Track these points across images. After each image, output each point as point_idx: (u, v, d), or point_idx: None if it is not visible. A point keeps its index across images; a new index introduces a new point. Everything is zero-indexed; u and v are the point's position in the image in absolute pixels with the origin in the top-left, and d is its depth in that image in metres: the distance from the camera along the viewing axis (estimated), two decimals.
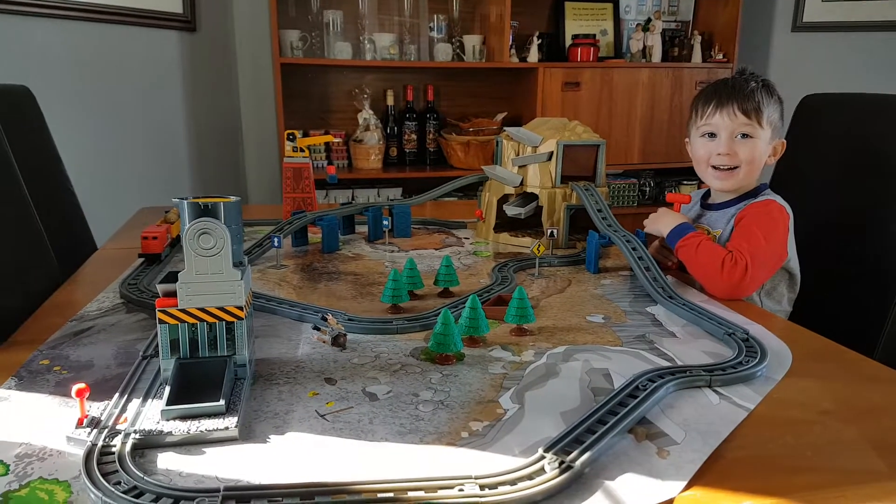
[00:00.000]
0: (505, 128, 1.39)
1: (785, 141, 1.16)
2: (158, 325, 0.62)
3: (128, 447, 0.53)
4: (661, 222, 1.13)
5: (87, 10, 1.98)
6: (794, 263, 1.12)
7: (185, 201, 0.62)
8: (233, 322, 0.63)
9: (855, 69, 2.78)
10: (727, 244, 1.04)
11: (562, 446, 0.53)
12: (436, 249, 1.29)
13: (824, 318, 1.01)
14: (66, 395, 0.64)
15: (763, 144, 1.11)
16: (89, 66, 2.02)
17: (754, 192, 1.15)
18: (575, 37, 2.69)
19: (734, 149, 1.11)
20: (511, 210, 1.31)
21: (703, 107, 1.15)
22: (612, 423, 0.57)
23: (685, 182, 2.83)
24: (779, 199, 1.12)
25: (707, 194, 1.24)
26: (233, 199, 0.65)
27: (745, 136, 1.11)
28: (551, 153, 1.27)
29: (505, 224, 1.38)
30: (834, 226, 1.29)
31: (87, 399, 0.58)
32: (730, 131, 1.11)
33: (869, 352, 1.12)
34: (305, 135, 2.58)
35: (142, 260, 1.11)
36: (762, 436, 0.59)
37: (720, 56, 2.73)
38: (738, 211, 1.12)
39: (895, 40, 2.75)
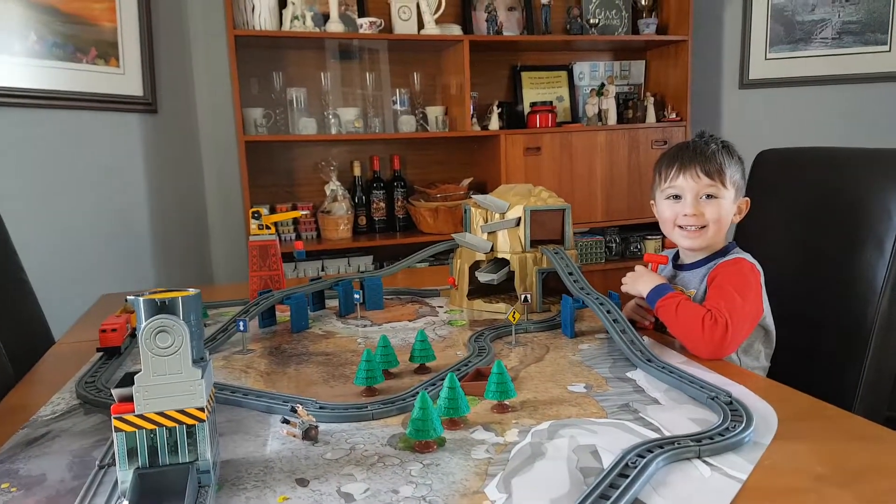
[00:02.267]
0: (472, 195, 1.39)
1: (748, 199, 1.18)
2: (115, 434, 0.58)
3: None
4: (639, 283, 1.13)
5: (46, 98, 1.97)
6: (769, 319, 1.13)
7: (141, 298, 0.59)
8: (194, 425, 0.59)
9: (801, 121, 2.92)
10: (704, 304, 1.03)
11: None
12: (409, 321, 1.26)
13: (802, 371, 1.01)
14: None
15: (728, 204, 1.13)
16: (47, 153, 1.99)
17: (723, 252, 1.16)
18: (533, 104, 2.78)
19: (700, 209, 1.12)
20: (483, 276, 1.30)
21: (666, 170, 1.17)
22: None
23: (649, 237, 2.88)
24: (748, 257, 1.13)
25: (677, 255, 1.25)
26: (192, 291, 0.62)
27: (709, 196, 1.12)
28: (519, 219, 1.28)
29: (478, 290, 1.36)
30: (800, 276, 1.30)
31: None
32: (695, 193, 1.13)
33: (848, 402, 1.12)
34: (272, 210, 2.57)
35: (101, 354, 1.06)
36: None
37: (673, 115, 2.85)
38: (709, 270, 1.12)
39: (833, 93, 2.92)
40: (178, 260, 2.47)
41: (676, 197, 1.15)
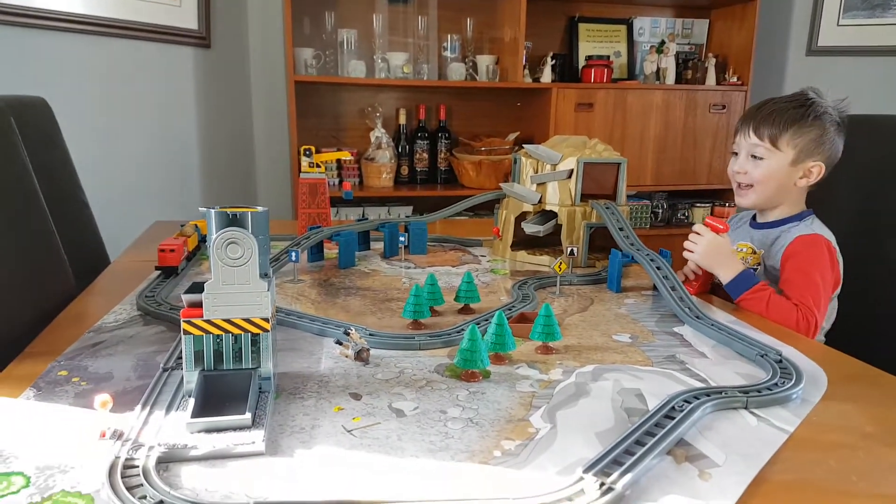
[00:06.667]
0: (524, 145, 1.38)
1: (822, 165, 1.14)
2: (183, 336, 0.61)
3: (152, 461, 0.52)
4: (718, 264, 1.05)
5: (104, 25, 2.00)
6: (838, 289, 1.13)
7: (213, 210, 0.61)
8: (258, 334, 0.62)
9: (870, 93, 2.76)
10: (784, 286, 1.05)
11: (601, 467, 0.51)
12: (452, 267, 1.28)
13: (860, 345, 0.99)
14: (87, 406, 0.63)
15: (780, 166, 1.13)
16: (105, 80, 2.04)
17: (799, 216, 1.16)
18: (588, 58, 2.70)
19: (746, 167, 1.15)
20: (529, 228, 1.30)
21: (736, 125, 1.21)
22: (650, 445, 0.55)
23: (698, 204, 2.82)
24: (826, 233, 1.12)
25: (755, 215, 1.26)
26: (260, 209, 0.64)
27: (756, 156, 1.14)
28: (571, 171, 1.26)
29: (522, 242, 1.36)
30: (866, 246, 1.26)
31: (108, 411, 0.56)
32: (746, 150, 1.16)
33: None
34: (318, 152, 2.58)
35: (158, 273, 1.10)
36: (805, 459, 0.57)
37: (734, 79, 2.73)
38: (783, 233, 1.13)
39: None
40: (225, 194, 2.52)
41: (736, 153, 1.18)
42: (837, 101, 1.15)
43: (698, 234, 1.07)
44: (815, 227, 1.13)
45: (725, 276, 1.05)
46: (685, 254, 1.10)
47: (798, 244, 1.09)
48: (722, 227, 1.07)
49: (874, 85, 2.77)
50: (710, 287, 1.13)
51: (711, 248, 1.06)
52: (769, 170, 1.12)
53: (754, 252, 1.18)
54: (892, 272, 1.23)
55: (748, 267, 1.10)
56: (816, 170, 1.14)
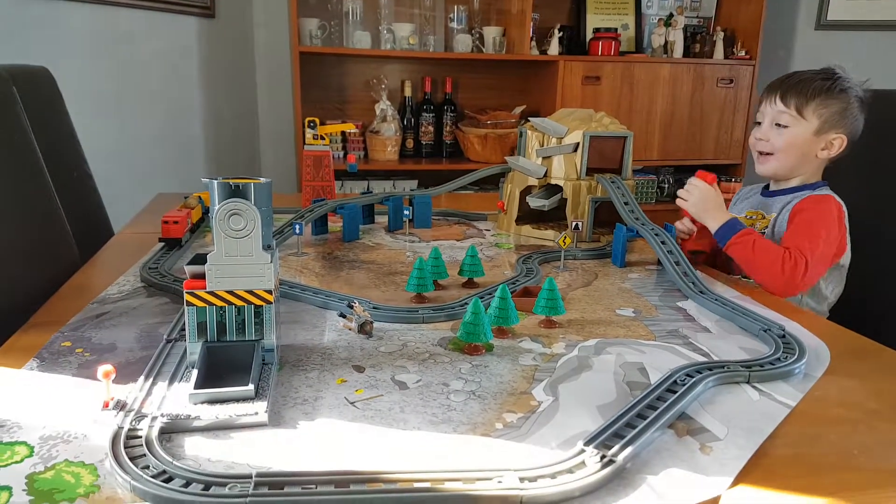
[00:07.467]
0: (529, 118, 1.36)
1: (844, 137, 1.13)
2: (186, 308, 0.61)
3: (155, 431, 0.52)
4: (707, 212, 1.09)
5: None
6: (847, 259, 1.13)
7: (216, 181, 0.60)
8: (261, 306, 0.62)
9: (880, 68, 2.70)
10: (784, 237, 1.04)
11: (602, 440, 0.51)
12: (457, 241, 1.27)
13: (863, 324, 0.99)
14: (90, 376, 0.63)
15: (803, 135, 1.12)
16: (108, 50, 2.02)
17: (812, 186, 1.16)
18: (596, 30, 2.65)
19: (769, 135, 1.15)
20: (534, 202, 1.29)
21: (761, 95, 1.21)
22: (652, 418, 0.55)
23: None
24: (836, 198, 1.12)
25: (768, 185, 1.26)
26: (263, 180, 0.63)
27: (781, 124, 1.13)
28: (577, 144, 1.25)
29: (526, 216, 1.36)
30: (871, 222, 1.25)
31: (111, 382, 0.57)
32: (770, 118, 1.15)
33: None
34: (322, 124, 2.57)
35: (162, 244, 1.10)
36: (806, 434, 0.57)
37: (742, 53, 2.69)
38: (794, 198, 1.13)
39: None
40: (229, 165, 2.52)
41: (759, 122, 1.18)
42: (861, 81, 1.14)
43: (694, 185, 1.12)
44: (828, 191, 1.14)
45: (713, 224, 1.08)
46: (678, 202, 1.15)
47: (808, 201, 1.11)
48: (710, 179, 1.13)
49: (884, 60, 2.72)
50: (712, 255, 1.15)
51: (703, 197, 1.10)
52: (792, 138, 1.12)
53: (764, 217, 1.18)
54: None
55: (735, 217, 1.10)
56: (838, 142, 1.14)
